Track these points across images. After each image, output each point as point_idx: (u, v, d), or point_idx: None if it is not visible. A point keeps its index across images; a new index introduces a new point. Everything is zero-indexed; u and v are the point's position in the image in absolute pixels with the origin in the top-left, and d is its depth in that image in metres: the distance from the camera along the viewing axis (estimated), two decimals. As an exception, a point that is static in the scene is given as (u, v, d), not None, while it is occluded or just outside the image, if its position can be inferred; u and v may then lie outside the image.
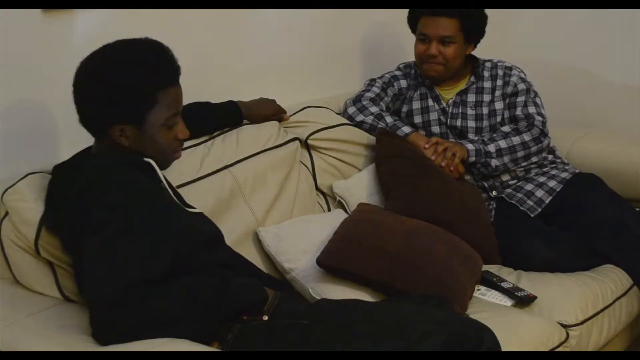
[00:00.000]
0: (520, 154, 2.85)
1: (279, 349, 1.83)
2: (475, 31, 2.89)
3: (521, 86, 2.91)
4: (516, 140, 2.84)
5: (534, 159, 2.91)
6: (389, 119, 2.89)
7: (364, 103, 2.93)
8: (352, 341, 1.86)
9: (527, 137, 2.85)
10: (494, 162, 2.82)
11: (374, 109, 2.92)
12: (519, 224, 2.79)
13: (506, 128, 2.89)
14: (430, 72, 2.90)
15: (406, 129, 2.87)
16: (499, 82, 2.92)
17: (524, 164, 2.91)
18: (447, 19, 2.82)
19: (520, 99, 2.90)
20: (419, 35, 2.88)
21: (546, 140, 2.90)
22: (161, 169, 2.04)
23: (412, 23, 2.93)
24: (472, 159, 2.82)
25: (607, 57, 3.46)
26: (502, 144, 2.83)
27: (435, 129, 2.92)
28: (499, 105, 2.91)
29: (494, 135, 2.87)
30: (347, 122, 2.89)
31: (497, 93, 2.92)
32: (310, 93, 3.00)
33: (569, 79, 3.56)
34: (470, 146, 2.82)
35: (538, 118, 2.89)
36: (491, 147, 2.82)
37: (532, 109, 2.90)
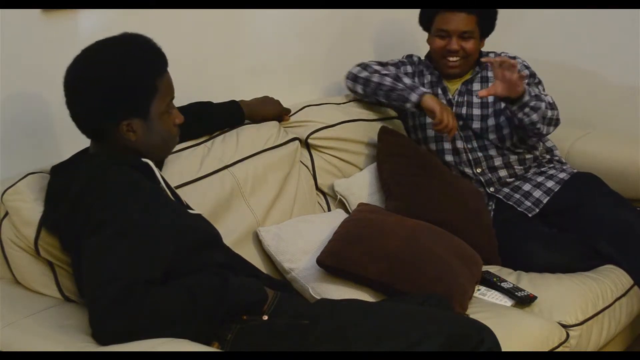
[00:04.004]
0: (549, 113, 2.75)
1: (279, 349, 1.83)
2: (490, 26, 2.92)
3: (525, 72, 2.84)
4: (547, 99, 2.77)
5: (552, 130, 2.80)
6: (407, 80, 2.82)
7: (372, 65, 2.91)
8: (352, 341, 1.86)
9: (550, 99, 2.79)
10: (535, 116, 2.70)
11: (381, 69, 2.88)
12: (517, 226, 2.78)
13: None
14: (450, 70, 2.89)
15: (421, 90, 2.78)
16: None
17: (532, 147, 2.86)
18: (465, 14, 2.83)
19: (524, 81, 2.86)
20: (438, 32, 2.87)
21: (557, 112, 2.81)
22: (164, 157, 2.08)
23: (427, 20, 2.92)
24: (527, 98, 2.68)
25: (607, 57, 3.46)
26: (543, 105, 2.72)
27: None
28: None
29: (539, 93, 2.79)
30: (348, 119, 2.87)
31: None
32: (310, 93, 3.00)
33: (569, 79, 3.56)
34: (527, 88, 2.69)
35: (545, 93, 2.84)
36: (542, 105, 2.72)
37: (536, 89, 2.85)
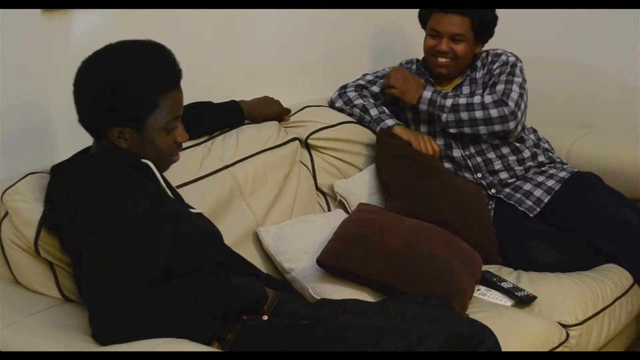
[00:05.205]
0: (478, 114, 2.77)
1: (279, 349, 1.83)
2: (485, 31, 2.90)
3: (497, 72, 2.88)
4: (476, 99, 2.79)
5: (497, 128, 2.78)
6: (373, 112, 2.89)
7: (348, 92, 2.94)
8: (352, 341, 1.86)
9: (487, 99, 2.78)
10: (445, 117, 2.79)
11: (358, 102, 2.91)
12: (518, 225, 2.78)
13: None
14: (439, 69, 2.90)
15: (390, 122, 2.87)
16: (485, 71, 2.92)
17: (483, 132, 2.81)
18: (459, 17, 2.83)
19: (494, 81, 2.88)
20: (430, 31, 2.89)
21: (507, 109, 2.76)
22: (160, 171, 2.04)
23: (423, 18, 2.94)
24: (424, 107, 2.82)
25: (607, 57, 3.46)
26: (462, 100, 2.80)
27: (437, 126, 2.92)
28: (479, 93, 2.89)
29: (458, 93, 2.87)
30: (348, 120, 2.88)
31: (480, 81, 2.91)
32: (310, 93, 3.00)
33: (568, 78, 3.56)
34: (426, 94, 2.82)
35: (500, 87, 2.82)
36: (448, 102, 2.80)
37: (499, 86, 2.83)
